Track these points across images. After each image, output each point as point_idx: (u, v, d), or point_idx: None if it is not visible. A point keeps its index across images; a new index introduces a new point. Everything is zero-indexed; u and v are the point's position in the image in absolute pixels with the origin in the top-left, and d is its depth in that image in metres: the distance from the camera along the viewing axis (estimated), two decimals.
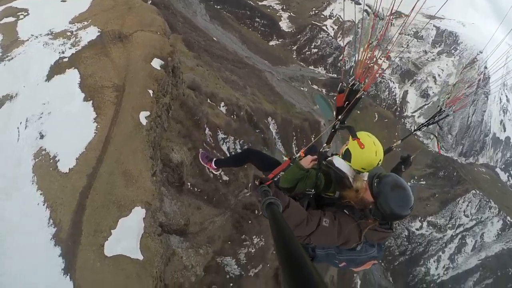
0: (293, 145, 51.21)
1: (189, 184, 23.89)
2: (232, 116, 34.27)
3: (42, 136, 14.28)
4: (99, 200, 12.76)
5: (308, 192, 3.35)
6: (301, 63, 71.44)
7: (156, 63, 19.54)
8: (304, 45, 70.84)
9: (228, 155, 30.59)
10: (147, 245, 13.00)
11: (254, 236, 26.82)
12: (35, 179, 12.92)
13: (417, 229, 51.33)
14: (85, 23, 19.91)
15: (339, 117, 3.65)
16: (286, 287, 1.01)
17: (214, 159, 5.61)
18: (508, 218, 51.97)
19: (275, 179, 3.40)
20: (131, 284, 11.31)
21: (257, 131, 39.15)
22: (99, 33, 18.88)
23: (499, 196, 53.23)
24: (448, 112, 4.61)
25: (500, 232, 51.78)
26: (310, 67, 71.39)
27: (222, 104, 33.75)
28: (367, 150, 3.32)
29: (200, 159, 5.85)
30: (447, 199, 49.72)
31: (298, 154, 3.52)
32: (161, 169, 20.13)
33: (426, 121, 4.82)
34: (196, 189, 24.60)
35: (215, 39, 63.58)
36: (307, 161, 3.46)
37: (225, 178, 28.63)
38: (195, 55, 41.53)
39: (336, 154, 3.80)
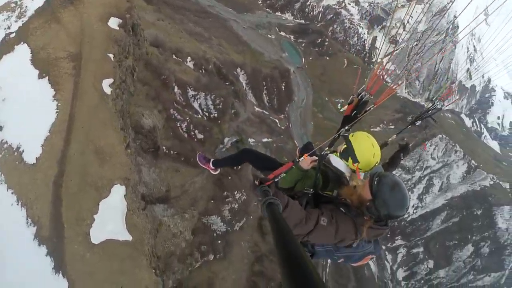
0: (264, 95, 50.28)
1: (164, 147, 23.09)
2: (200, 71, 32.56)
3: (0, 128, 12.75)
4: (75, 185, 11.89)
5: (307, 191, 3.36)
6: (267, 9, 67.40)
7: (114, 22, 17.53)
8: None
9: (200, 111, 29.59)
10: (133, 223, 12.55)
11: (236, 192, 27.04)
12: (2, 177, 11.77)
13: None
14: None
15: (346, 127, 3.66)
16: (286, 287, 0.98)
17: (212, 160, 5.53)
18: (473, 161, 54.71)
19: (276, 179, 3.39)
20: (125, 267, 11.00)
21: (227, 83, 37.78)
22: None
23: (464, 141, 56.07)
24: (440, 105, 4.72)
25: (465, 175, 54.57)
26: (277, 13, 67.60)
27: (189, 59, 31.76)
28: (365, 152, 3.31)
29: (198, 161, 5.66)
30: (415, 142, 51.80)
31: (302, 158, 3.42)
32: (134, 137, 19.10)
33: (420, 115, 4.79)
34: (172, 152, 23.87)
35: None
36: (307, 163, 3.40)
37: (200, 136, 27.87)
38: (155, 8, 37.85)
39: (334, 152, 3.78)
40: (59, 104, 13.62)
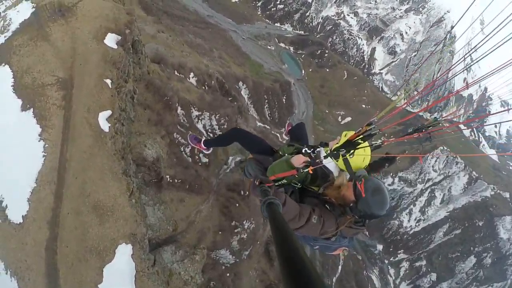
0: (265, 109, 48.04)
1: (168, 176, 20.33)
2: (203, 87, 29.87)
3: None
4: (72, 252, 9.17)
5: (294, 185, 3.38)
6: (267, 20, 65.01)
7: (111, 39, 14.51)
8: (269, 1, 63.85)
9: (204, 132, 26.87)
10: (143, 286, 9.86)
11: (245, 221, 24.34)
12: None
13: (389, 185, 51.92)
14: None
15: (344, 150, 3.22)
16: (286, 287, 0.97)
17: (203, 139, 5.25)
18: (474, 172, 53.46)
19: (277, 183, 3.29)
20: None
21: (229, 98, 35.25)
22: (33, 9, 13.56)
23: (463, 151, 54.66)
24: (442, 126, 3.94)
25: (466, 186, 53.09)
26: (276, 24, 65.23)
27: (192, 75, 29.05)
28: (356, 155, 3.21)
29: (189, 142, 5.40)
30: (415, 153, 50.12)
31: (307, 170, 3.14)
32: (135, 170, 16.27)
33: (419, 127, 3.83)
34: (176, 181, 21.10)
35: None
36: (299, 161, 3.36)
37: (205, 160, 25.12)
38: (155, 19, 35.12)
39: (326, 146, 3.70)
40: (47, 145, 10.85)
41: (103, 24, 14.36)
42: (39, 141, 10.99)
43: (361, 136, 3.18)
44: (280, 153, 4.05)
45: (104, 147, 11.18)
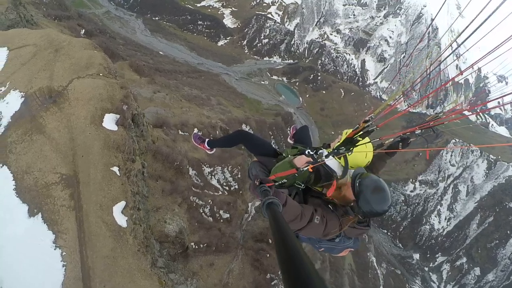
0: (273, 144, 47.26)
1: (193, 244, 19.15)
2: None
3: None
4: None
5: (298, 185, 3.31)
6: (255, 56, 66.13)
7: (110, 120, 13.65)
8: (254, 38, 65.35)
9: (220, 188, 25.91)
10: None
11: (280, 271, 22.61)
12: None
13: (411, 191, 50.11)
14: (2, 88, 13.70)
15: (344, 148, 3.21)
16: (286, 287, 0.97)
17: (207, 140, 5.10)
18: (491, 156, 51.64)
19: (277, 183, 3.18)
20: None
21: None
22: (23, 99, 12.90)
23: (474, 138, 52.97)
24: (444, 120, 3.86)
25: (487, 171, 51.35)
26: (265, 58, 66.27)
27: (196, 130, 28.60)
28: (358, 152, 3.21)
29: (193, 141, 5.26)
30: (431, 154, 48.55)
31: (306, 168, 3.05)
32: (159, 248, 15.12)
33: (421, 124, 3.88)
34: (202, 246, 19.87)
35: (161, 53, 56.89)
36: (302, 161, 3.23)
37: (226, 215, 23.95)
38: (149, 80, 35.46)
39: (328, 147, 3.71)
40: (64, 253, 9.84)
41: (99, 106, 13.57)
42: (54, 249, 10.01)
43: (360, 133, 3.18)
44: (284, 155, 3.99)
45: (127, 246, 10.17)
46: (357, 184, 2.85)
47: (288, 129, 51.24)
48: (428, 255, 51.22)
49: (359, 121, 3.25)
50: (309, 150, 3.60)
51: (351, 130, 3.17)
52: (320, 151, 3.55)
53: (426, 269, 50.43)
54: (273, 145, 4.24)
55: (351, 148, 3.10)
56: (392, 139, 4.13)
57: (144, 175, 17.02)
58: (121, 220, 10.88)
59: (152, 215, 15.55)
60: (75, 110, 12.89)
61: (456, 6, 64.11)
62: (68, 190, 10.85)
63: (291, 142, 5.22)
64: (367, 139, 3.28)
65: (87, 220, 10.44)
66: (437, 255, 50.97)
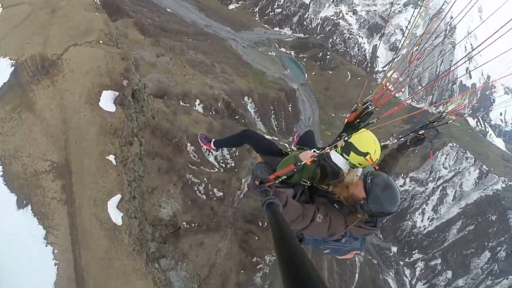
0: (273, 120, 46.23)
1: (185, 223, 18.77)
2: (211, 113, 28.06)
3: None
4: None
5: (304, 183, 3.20)
6: (265, 25, 62.47)
7: (107, 99, 12.27)
8: (267, 6, 61.39)
9: (217, 164, 25.14)
10: None
11: (266, 255, 22.71)
12: None
13: (401, 186, 50.32)
14: None
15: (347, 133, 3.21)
16: (286, 287, 0.94)
17: (213, 140, 4.97)
18: (484, 166, 51.53)
19: (281, 178, 3.21)
20: None
21: (236, 117, 33.46)
22: (13, 67, 11.44)
23: (471, 144, 52.51)
24: (448, 120, 4.03)
25: (477, 181, 51.41)
26: (275, 28, 62.70)
27: (197, 102, 27.25)
28: (368, 147, 3.07)
29: (199, 141, 5.09)
30: (427, 154, 48.11)
31: (303, 162, 3.04)
32: (152, 232, 14.59)
33: (425, 124, 3.80)
34: (193, 225, 19.54)
35: (169, 10, 53.03)
36: (307, 156, 3.17)
37: (219, 194, 23.46)
38: (153, 41, 33.00)
39: (335, 147, 3.40)
40: (56, 251, 9.16)
41: (96, 81, 12.02)
42: (46, 246, 9.31)
43: (360, 116, 3.13)
44: (290, 154, 3.83)
45: (122, 246, 9.48)
46: (368, 181, 2.74)
47: (289, 106, 49.90)
48: (406, 250, 52.59)
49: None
50: (315, 149, 3.52)
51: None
52: (326, 150, 3.45)
53: (402, 263, 52.05)
54: (278, 147, 4.13)
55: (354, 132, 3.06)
56: (396, 140, 4.01)
57: (141, 153, 15.98)
58: (116, 217, 10.09)
59: (147, 199, 14.82)
60: (70, 85, 11.50)
61: (478, 8, 60.65)
62: (59, 181, 9.87)
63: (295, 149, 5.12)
64: (371, 134, 3.14)
65: (79, 216, 9.63)
66: (414, 252, 52.37)
